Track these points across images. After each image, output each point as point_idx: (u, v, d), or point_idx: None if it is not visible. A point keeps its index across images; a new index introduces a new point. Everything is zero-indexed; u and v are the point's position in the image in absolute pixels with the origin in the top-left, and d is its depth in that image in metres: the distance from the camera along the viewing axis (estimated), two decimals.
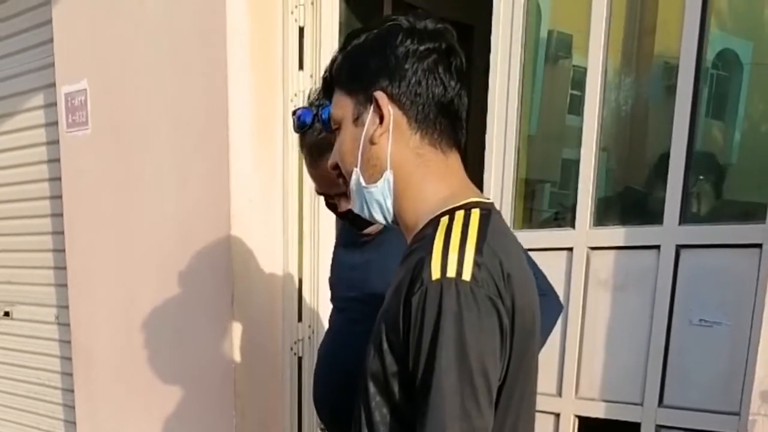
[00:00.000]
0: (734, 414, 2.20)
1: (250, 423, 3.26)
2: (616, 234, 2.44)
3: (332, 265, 2.29)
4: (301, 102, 3.16)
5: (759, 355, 2.05)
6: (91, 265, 3.84)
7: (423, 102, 1.31)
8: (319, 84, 1.62)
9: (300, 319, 3.29)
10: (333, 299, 2.28)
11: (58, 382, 4.33)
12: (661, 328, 2.34)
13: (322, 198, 2.29)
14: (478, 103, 2.72)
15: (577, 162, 2.50)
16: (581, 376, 2.52)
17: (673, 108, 2.31)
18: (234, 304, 3.15)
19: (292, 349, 3.30)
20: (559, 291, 2.48)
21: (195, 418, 3.40)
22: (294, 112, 1.97)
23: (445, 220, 1.28)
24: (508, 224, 2.33)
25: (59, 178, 3.93)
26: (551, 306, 1.95)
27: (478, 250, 1.22)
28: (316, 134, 1.93)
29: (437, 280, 1.20)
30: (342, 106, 1.38)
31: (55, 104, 3.86)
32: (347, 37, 1.40)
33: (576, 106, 2.76)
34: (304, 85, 3.16)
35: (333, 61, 1.41)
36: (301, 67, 3.17)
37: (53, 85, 3.86)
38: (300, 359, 3.31)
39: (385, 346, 1.28)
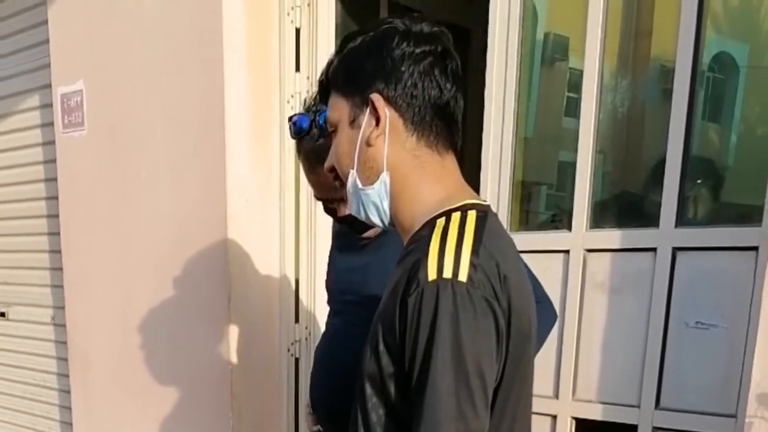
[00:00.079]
0: (731, 416, 2.20)
1: (247, 424, 3.25)
2: (613, 236, 2.44)
3: (329, 269, 2.28)
4: (298, 103, 3.15)
5: (755, 358, 2.05)
6: (87, 266, 3.83)
7: (419, 104, 1.30)
8: (315, 87, 1.62)
9: (297, 320, 3.28)
10: (330, 302, 2.27)
11: (54, 383, 4.31)
12: (658, 330, 2.34)
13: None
14: (475, 106, 2.72)
15: (573, 164, 2.49)
16: (578, 378, 2.52)
17: (670, 111, 2.30)
18: (231, 305, 3.13)
19: (289, 350, 3.29)
20: (556, 293, 2.51)
21: (192, 420, 3.39)
22: (290, 119, 1.99)
23: (441, 221, 1.28)
24: (505, 226, 2.34)
25: (55, 179, 3.92)
26: (546, 314, 1.94)
27: (475, 251, 1.22)
28: (314, 140, 1.92)
29: (434, 280, 1.20)
30: (338, 108, 1.37)
31: (51, 105, 3.83)
32: (343, 40, 1.39)
33: (572, 108, 2.76)
34: (301, 86, 3.16)
35: (329, 65, 1.41)
36: (297, 68, 3.16)
37: (49, 86, 3.84)
38: (297, 360, 3.30)
39: (382, 347, 1.27)
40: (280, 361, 3.31)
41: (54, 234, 4.04)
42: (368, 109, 1.32)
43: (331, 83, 1.40)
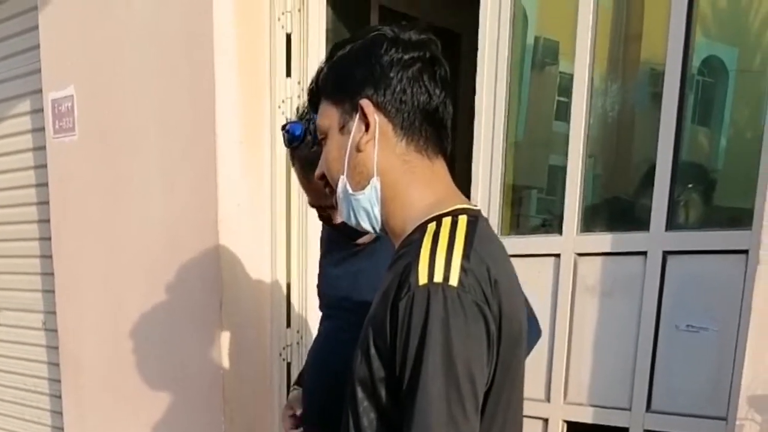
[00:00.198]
0: (722, 419, 2.19)
1: (239, 429, 3.23)
2: (603, 240, 2.43)
3: (320, 274, 2.27)
4: (289, 108, 3.15)
5: (746, 361, 2.03)
6: (78, 270, 3.81)
7: (408, 110, 1.31)
8: (306, 93, 1.61)
9: (288, 324, 3.26)
10: (322, 306, 2.26)
11: (46, 388, 4.28)
12: (649, 333, 2.33)
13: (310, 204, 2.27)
14: (465, 110, 2.71)
15: (564, 168, 2.48)
16: (569, 381, 2.50)
17: (659, 114, 2.29)
18: (222, 309, 3.12)
19: (280, 354, 3.27)
20: (547, 297, 2.51)
21: (184, 425, 3.37)
22: (284, 127, 1.98)
23: (432, 226, 1.28)
24: (496, 230, 2.33)
25: (46, 184, 3.90)
26: (531, 331, 1.93)
27: (465, 255, 1.22)
28: (308, 148, 1.91)
29: (424, 285, 1.20)
30: (328, 115, 1.37)
31: (42, 110, 3.82)
32: (333, 48, 1.40)
33: (563, 112, 2.75)
34: (292, 91, 3.15)
35: (319, 73, 1.41)
36: (288, 73, 3.16)
37: (40, 91, 3.82)
38: (289, 365, 3.28)
39: (373, 351, 1.27)
40: (272, 366, 3.29)
41: (45, 239, 4.03)
42: (358, 115, 1.32)
43: (320, 91, 1.40)
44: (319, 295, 2.29)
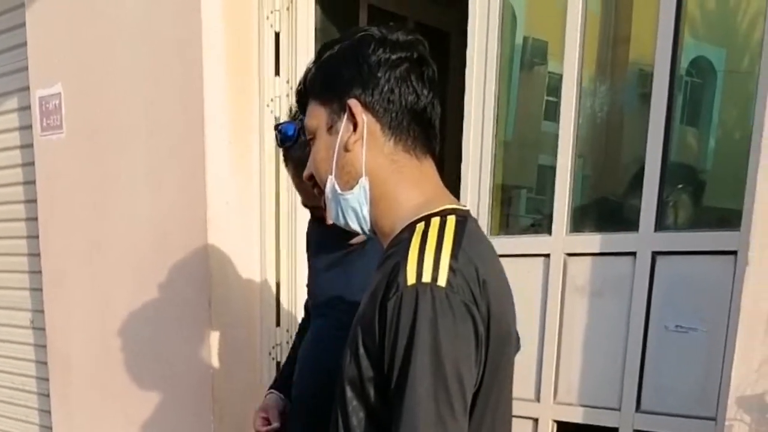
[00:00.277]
0: (711, 419, 2.18)
1: (229, 428, 3.20)
2: (593, 240, 2.41)
3: (311, 275, 2.25)
4: (278, 107, 3.13)
5: (735, 361, 2.02)
6: (66, 268, 3.77)
7: (396, 109, 1.30)
8: (294, 91, 1.59)
9: (278, 323, 3.23)
10: (313, 307, 2.23)
11: (34, 387, 4.23)
12: (638, 334, 2.31)
13: (299, 201, 2.25)
14: (455, 109, 2.69)
15: (553, 168, 2.46)
16: (559, 381, 2.48)
17: (648, 115, 2.27)
18: (211, 308, 3.09)
19: (270, 353, 3.24)
20: (536, 297, 2.49)
21: (172, 423, 3.34)
22: (276, 127, 1.98)
23: (421, 226, 1.27)
24: (485, 230, 2.31)
25: (33, 182, 3.86)
26: None
27: (454, 256, 1.21)
28: (302, 149, 1.88)
29: (413, 285, 1.19)
30: (316, 115, 1.36)
31: (30, 108, 3.77)
32: (320, 48, 1.39)
33: (551, 112, 2.73)
34: (280, 90, 3.13)
35: (307, 73, 1.40)
36: (277, 72, 3.13)
37: (27, 88, 3.78)
38: (278, 364, 3.24)
39: (362, 350, 1.25)
40: (262, 365, 3.27)
41: (32, 237, 3.98)
42: (346, 115, 1.31)
43: (308, 91, 1.39)
44: (310, 295, 2.27)
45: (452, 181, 2.46)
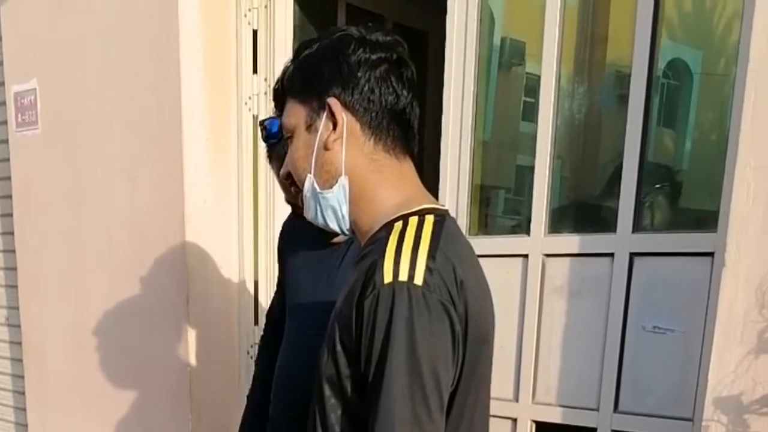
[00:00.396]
0: (688, 420, 2.16)
1: (206, 426, 3.15)
2: (571, 241, 2.38)
3: (289, 274, 2.20)
4: (256, 105, 3.09)
5: (711, 362, 2.00)
6: (41, 266, 3.68)
7: (376, 109, 1.27)
8: (272, 89, 1.56)
9: (256, 322, 3.18)
10: (291, 307, 2.18)
11: (9, 384, 4.14)
12: (616, 334, 2.28)
13: (277, 199, 2.21)
14: (433, 109, 2.65)
15: (531, 169, 2.43)
16: (538, 381, 2.46)
17: (626, 116, 2.25)
18: (189, 306, 3.04)
19: (248, 352, 3.18)
20: (515, 298, 2.46)
21: (150, 421, 3.27)
22: (261, 123, 1.94)
23: (398, 225, 1.24)
24: (464, 231, 2.26)
25: (9, 178, 3.76)
26: None
27: (431, 255, 1.19)
28: (286, 145, 1.84)
29: (389, 283, 1.16)
30: (294, 114, 1.33)
31: (5, 103, 3.68)
32: (299, 47, 1.35)
33: (529, 113, 2.70)
34: (258, 88, 3.08)
35: (285, 71, 1.37)
36: (255, 70, 3.07)
37: (2, 84, 3.69)
38: (257, 363, 3.19)
39: (339, 348, 1.23)
40: (240, 363, 3.22)
41: (7, 233, 3.89)
42: (325, 114, 1.28)
43: (286, 90, 1.36)
44: (287, 294, 2.22)
45: (431, 181, 2.43)
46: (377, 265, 1.18)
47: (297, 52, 1.35)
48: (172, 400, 3.16)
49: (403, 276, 1.16)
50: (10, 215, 3.80)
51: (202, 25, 2.96)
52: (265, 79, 3.05)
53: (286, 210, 2.29)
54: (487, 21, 2.62)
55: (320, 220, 1.35)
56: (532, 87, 2.58)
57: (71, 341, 3.55)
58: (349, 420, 1.24)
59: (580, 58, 2.74)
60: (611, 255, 2.30)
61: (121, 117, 3.17)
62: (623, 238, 2.27)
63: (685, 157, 2.72)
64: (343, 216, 1.32)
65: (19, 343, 3.89)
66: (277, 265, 3.01)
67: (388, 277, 1.16)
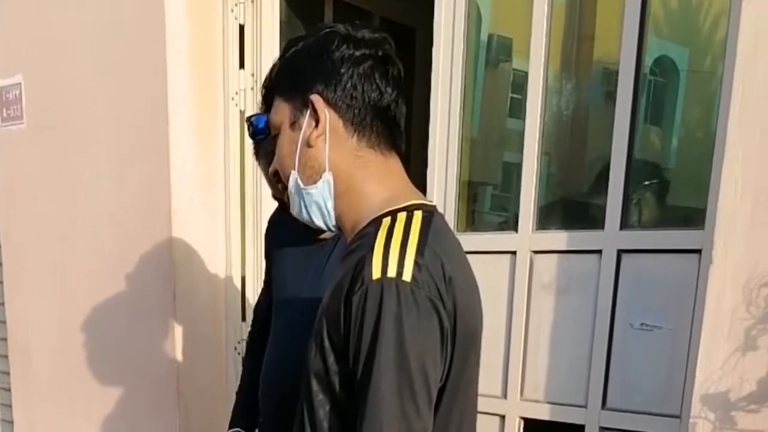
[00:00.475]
0: (675, 417, 2.14)
1: (194, 422, 3.10)
2: (559, 238, 2.35)
3: (277, 270, 2.16)
4: (242, 100, 3.04)
5: (699, 359, 1.98)
6: (27, 261, 3.61)
7: (359, 106, 1.25)
8: (259, 84, 1.53)
9: (243, 318, 3.13)
10: (279, 302, 2.15)
11: None
12: (604, 331, 2.26)
13: (265, 195, 2.17)
14: (421, 104, 2.62)
15: (519, 165, 2.40)
16: (526, 378, 2.43)
17: (613, 113, 2.22)
18: (176, 302, 2.99)
19: (236, 348, 3.14)
20: (503, 294, 2.43)
21: (137, 417, 3.22)
22: (248, 119, 1.91)
23: (387, 220, 1.22)
24: (452, 227, 2.24)
25: None
26: None
27: (420, 251, 1.17)
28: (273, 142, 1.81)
29: (378, 279, 1.14)
30: (280, 111, 1.32)
31: None
32: (286, 44, 1.34)
33: (516, 109, 2.67)
34: (245, 83, 3.03)
35: (272, 69, 1.38)
36: (242, 65, 3.02)
37: None
38: (244, 359, 3.16)
39: (327, 343, 1.20)
40: (227, 359, 3.17)
41: None
42: (308, 111, 1.27)
43: (273, 88, 1.37)
44: (275, 290, 2.18)
45: (419, 176, 2.40)
46: (365, 260, 1.16)
47: (284, 50, 1.34)
48: (159, 396, 3.11)
49: (392, 272, 1.14)
50: None
51: (188, 20, 2.90)
52: (252, 74, 3.00)
53: (273, 205, 2.25)
54: (474, 17, 2.58)
55: (305, 216, 1.34)
56: (519, 83, 2.55)
57: (57, 337, 3.49)
58: (338, 416, 1.22)
59: (567, 54, 2.71)
60: (599, 252, 2.27)
61: (107, 112, 3.11)
62: (611, 235, 2.25)
63: (672, 155, 2.70)
64: (328, 212, 1.30)
65: (5, 339, 3.82)
66: (264, 261, 3.00)
67: (376, 273, 1.14)
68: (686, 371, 2.09)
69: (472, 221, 2.94)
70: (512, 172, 2.54)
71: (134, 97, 3.01)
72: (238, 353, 3.13)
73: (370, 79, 1.25)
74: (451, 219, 2.51)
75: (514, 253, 2.43)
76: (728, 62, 1.92)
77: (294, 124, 1.29)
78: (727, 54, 1.94)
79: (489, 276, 2.36)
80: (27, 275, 3.64)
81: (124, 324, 3.19)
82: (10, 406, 3.87)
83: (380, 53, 1.26)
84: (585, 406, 2.32)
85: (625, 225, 2.24)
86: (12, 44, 3.45)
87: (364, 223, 1.26)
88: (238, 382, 2.40)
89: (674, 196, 2.52)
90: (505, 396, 2.47)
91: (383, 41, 1.28)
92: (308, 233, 1.95)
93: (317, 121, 1.25)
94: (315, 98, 1.24)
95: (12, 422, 3.86)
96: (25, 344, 3.69)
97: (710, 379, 1.97)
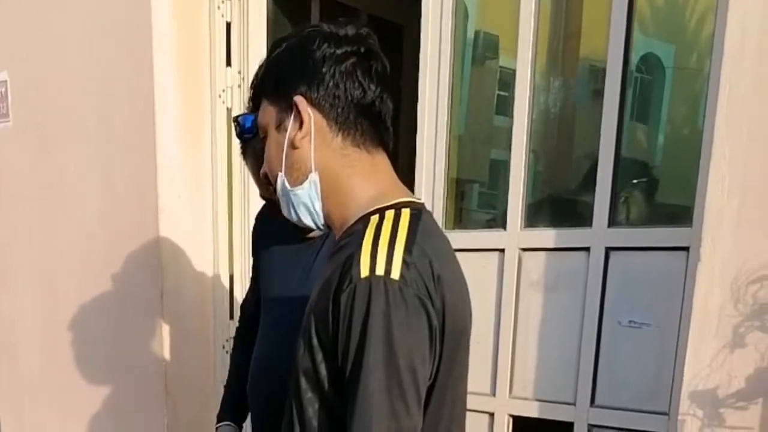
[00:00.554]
0: (664, 414, 2.12)
1: (182, 420, 3.05)
2: (547, 236, 2.32)
3: (265, 269, 2.12)
4: (229, 98, 2.99)
5: (687, 357, 1.96)
6: (12, 259, 3.55)
7: (342, 104, 1.23)
8: (246, 82, 1.50)
9: (231, 316, 3.07)
10: (267, 301, 2.11)
11: None
12: (592, 329, 2.23)
13: (252, 193, 2.14)
14: (410, 100, 2.59)
15: (507, 163, 2.37)
16: (515, 375, 2.40)
17: (600, 111, 2.19)
18: (163, 300, 2.94)
19: (224, 347, 3.08)
20: (491, 292, 2.40)
21: (125, 415, 3.16)
22: (235, 119, 1.88)
23: (375, 218, 1.20)
24: (440, 224, 2.21)
25: None
26: None
27: (408, 249, 1.15)
28: (260, 141, 1.78)
29: (366, 277, 1.13)
30: (267, 114, 1.31)
31: None
32: (271, 46, 1.33)
33: (503, 106, 2.65)
34: (232, 81, 2.97)
35: (258, 71, 1.37)
36: (228, 63, 2.96)
37: None
38: (231, 354, 3.12)
39: (315, 341, 1.18)
40: (215, 358, 3.12)
41: None
42: (293, 113, 1.24)
43: (260, 90, 1.36)
44: (262, 288, 2.15)
45: (406, 174, 2.36)
46: (354, 258, 1.15)
47: (269, 52, 1.33)
48: (147, 394, 3.06)
49: (380, 270, 1.13)
50: None
51: (174, 17, 2.84)
52: (239, 72, 2.95)
53: (260, 203, 2.21)
54: (461, 14, 2.55)
55: (294, 217, 1.32)
56: (506, 81, 2.52)
57: (44, 335, 3.43)
58: (327, 414, 1.21)
59: (554, 52, 2.69)
60: (587, 249, 2.25)
61: (94, 110, 3.05)
62: (599, 233, 2.22)
63: (658, 152, 2.68)
64: (316, 212, 1.29)
65: None
66: (251, 259, 2.96)
67: (364, 271, 1.13)
68: (674, 368, 2.07)
69: (460, 219, 2.91)
70: (500, 170, 2.52)
71: (121, 95, 2.95)
72: (226, 351, 3.08)
73: (353, 77, 1.23)
74: (439, 216, 2.47)
75: (502, 250, 2.40)
76: (715, 59, 1.89)
77: (280, 127, 1.27)
78: (714, 51, 1.91)
79: (477, 274, 2.33)
80: (13, 273, 3.58)
81: (112, 322, 3.14)
82: None
83: (363, 49, 1.24)
84: (574, 404, 2.29)
85: (613, 222, 2.21)
86: None
87: (353, 221, 1.24)
88: (226, 377, 2.37)
89: (662, 194, 2.50)
90: (494, 394, 2.44)
91: (366, 37, 1.25)
92: (296, 231, 1.91)
93: (301, 123, 1.23)
94: (298, 99, 1.23)
95: None
96: (11, 343, 3.63)
97: (698, 376, 1.95)
